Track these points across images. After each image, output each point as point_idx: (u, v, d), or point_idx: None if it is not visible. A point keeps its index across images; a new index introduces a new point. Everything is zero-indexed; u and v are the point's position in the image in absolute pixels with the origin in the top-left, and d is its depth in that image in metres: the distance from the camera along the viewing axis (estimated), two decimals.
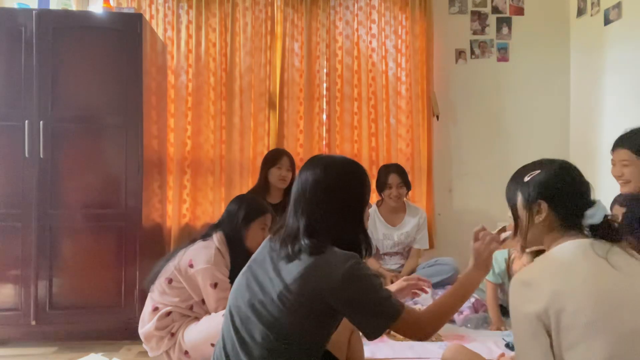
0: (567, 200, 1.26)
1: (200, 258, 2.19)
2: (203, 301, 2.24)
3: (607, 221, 1.24)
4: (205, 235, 2.32)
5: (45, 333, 2.81)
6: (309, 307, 1.31)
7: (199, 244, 2.27)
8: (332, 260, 1.31)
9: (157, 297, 2.25)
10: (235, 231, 2.29)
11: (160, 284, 2.24)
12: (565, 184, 1.26)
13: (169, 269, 2.23)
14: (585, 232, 1.25)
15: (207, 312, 2.24)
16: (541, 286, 1.14)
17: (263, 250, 1.49)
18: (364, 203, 1.47)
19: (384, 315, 1.33)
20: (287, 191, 3.14)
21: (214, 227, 2.35)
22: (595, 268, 1.14)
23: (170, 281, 2.23)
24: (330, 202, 1.39)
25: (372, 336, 1.34)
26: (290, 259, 1.34)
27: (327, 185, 1.40)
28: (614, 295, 1.11)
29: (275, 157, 3.12)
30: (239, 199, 2.42)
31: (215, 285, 2.17)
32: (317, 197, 1.39)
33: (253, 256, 1.52)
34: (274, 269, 1.37)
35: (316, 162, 1.47)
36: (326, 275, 1.29)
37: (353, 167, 1.49)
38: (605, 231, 1.22)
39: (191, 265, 2.19)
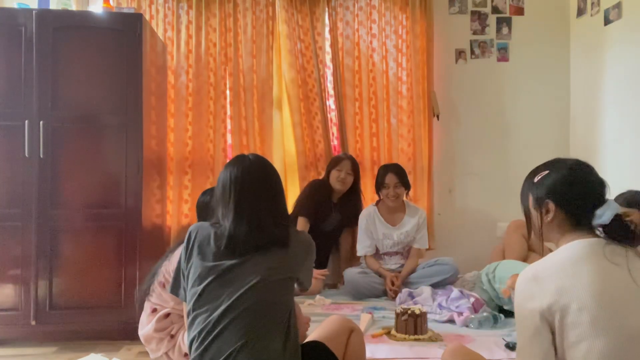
0: (575, 200, 1.26)
1: None
2: None
3: (618, 221, 1.21)
4: None
5: (45, 333, 2.81)
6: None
7: (184, 245, 2.27)
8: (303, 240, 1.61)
9: (155, 299, 2.26)
10: None
11: (155, 287, 2.25)
12: (573, 185, 1.27)
13: (161, 272, 2.24)
14: (597, 232, 1.24)
15: None
16: (547, 282, 1.15)
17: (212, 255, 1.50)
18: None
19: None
20: (347, 193, 3.37)
21: None
22: (601, 267, 1.15)
23: (163, 285, 2.24)
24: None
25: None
26: (265, 249, 1.50)
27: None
28: (619, 295, 1.12)
29: (337, 161, 3.35)
30: (209, 193, 2.37)
31: None
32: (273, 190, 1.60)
33: (197, 265, 1.51)
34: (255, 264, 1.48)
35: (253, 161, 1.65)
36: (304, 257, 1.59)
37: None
38: (616, 231, 1.21)
39: None
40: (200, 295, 1.46)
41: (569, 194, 1.26)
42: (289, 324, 1.50)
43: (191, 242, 1.55)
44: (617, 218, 1.21)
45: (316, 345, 1.60)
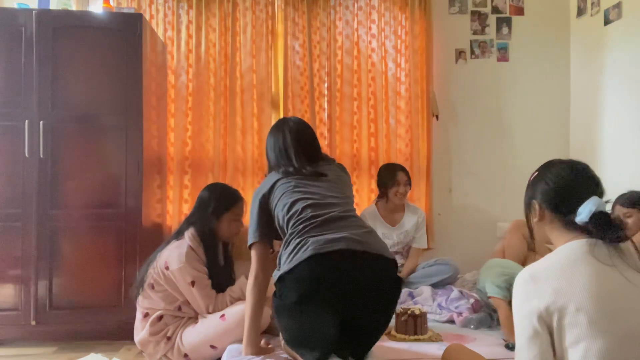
0: (560, 201, 1.26)
1: (173, 258, 2.20)
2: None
3: (601, 219, 1.18)
4: (178, 233, 2.33)
5: (45, 333, 2.82)
6: None
7: (173, 244, 2.28)
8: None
9: (145, 303, 2.26)
10: (206, 225, 2.30)
11: (145, 290, 2.25)
12: (558, 186, 1.27)
13: (150, 274, 2.24)
14: (591, 232, 1.21)
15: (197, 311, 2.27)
16: (544, 283, 1.15)
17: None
18: None
19: None
20: None
21: (186, 224, 2.35)
22: (597, 268, 1.15)
23: (152, 286, 2.24)
24: None
25: None
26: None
27: None
28: (615, 296, 1.12)
29: None
30: (209, 190, 2.40)
31: (193, 283, 2.18)
32: None
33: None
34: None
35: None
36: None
37: None
38: (599, 229, 1.18)
39: (167, 267, 2.20)
40: (295, 186, 1.88)
41: (552, 194, 1.27)
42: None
43: (271, 193, 1.92)
44: (600, 215, 1.18)
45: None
